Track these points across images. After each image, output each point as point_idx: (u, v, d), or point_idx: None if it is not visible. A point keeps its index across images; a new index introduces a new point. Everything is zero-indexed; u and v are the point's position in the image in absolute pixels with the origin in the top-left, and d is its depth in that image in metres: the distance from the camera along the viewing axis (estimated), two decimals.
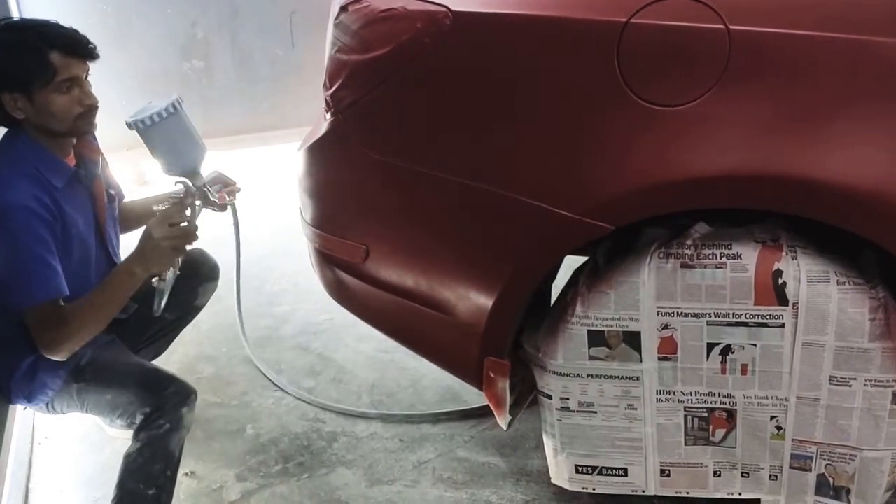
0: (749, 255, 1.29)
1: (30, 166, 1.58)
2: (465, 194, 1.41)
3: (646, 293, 1.35)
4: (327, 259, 1.71)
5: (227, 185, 1.89)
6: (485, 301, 1.43)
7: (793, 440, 1.38)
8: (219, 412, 2.11)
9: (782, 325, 1.31)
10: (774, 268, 1.28)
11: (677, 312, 1.35)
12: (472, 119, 1.37)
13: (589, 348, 1.41)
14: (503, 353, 1.49)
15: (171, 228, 1.56)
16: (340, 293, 1.74)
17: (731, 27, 1.18)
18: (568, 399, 1.46)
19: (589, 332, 1.40)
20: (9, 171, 1.57)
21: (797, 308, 1.29)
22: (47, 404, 1.68)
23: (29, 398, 1.67)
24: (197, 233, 1.61)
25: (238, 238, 2.08)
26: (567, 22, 1.27)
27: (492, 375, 1.51)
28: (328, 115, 1.55)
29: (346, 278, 1.68)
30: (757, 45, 1.18)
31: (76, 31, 1.60)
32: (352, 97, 1.47)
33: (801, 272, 1.27)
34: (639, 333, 1.38)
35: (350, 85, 1.47)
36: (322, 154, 1.61)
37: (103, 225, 1.76)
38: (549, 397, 1.48)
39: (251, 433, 2.01)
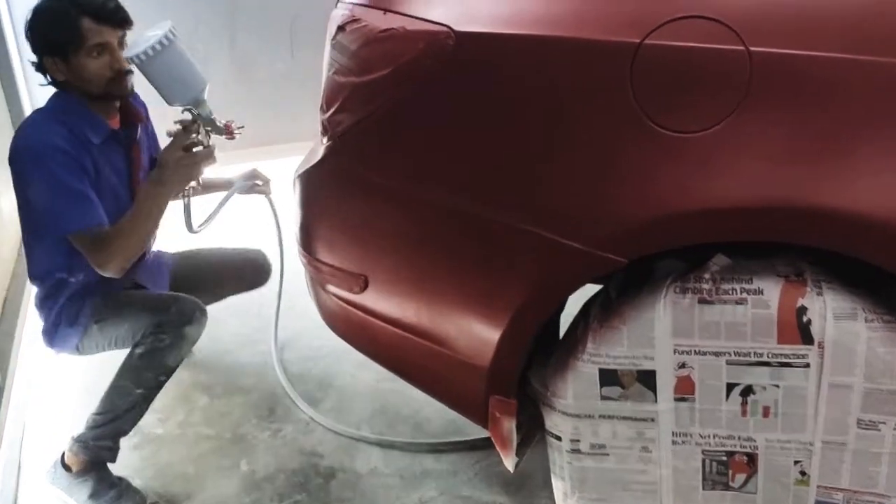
0: (771, 291, 1.21)
1: (69, 119, 1.74)
2: (469, 223, 1.33)
3: (661, 330, 1.27)
4: (324, 289, 1.64)
5: (262, 180, 2.19)
6: (490, 336, 1.35)
7: (818, 486, 1.30)
8: (211, 446, 2.03)
9: (807, 365, 1.22)
10: (798, 304, 1.20)
11: (695, 350, 1.27)
12: (477, 144, 1.30)
13: (601, 388, 1.32)
14: (509, 392, 1.41)
15: (184, 154, 1.72)
16: (338, 324, 1.67)
17: (752, 49, 1.10)
18: (579, 441, 1.38)
19: (601, 370, 1.32)
20: (49, 119, 1.74)
21: (823, 347, 1.21)
22: (77, 346, 1.90)
23: (62, 345, 1.90)
24: (213, 155, 1.77)
25: (280, 233, 2.28)
26: (577, 43, 1.19)
27: (497, 415, 1.43)
28: (325, 140, 1.48)
29: (344, 309, 1.60)
30: (779, 67, 1.10)
31: None
32: (350, 121, 1.40)
33: (827, 309, 1.19)
34: (654, 372, 1.30)
35: (348, 108, 1.40)
36: (319, 180, 1.53)
37: (137, 189, 1.88)
38: (559, 438, 1.40)
39: (246, 470, 1.93)
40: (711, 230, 1.17)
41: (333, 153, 1.46)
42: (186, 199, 1.94)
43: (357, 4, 1.40)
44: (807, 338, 1.21)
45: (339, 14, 1.42)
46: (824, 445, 1.27)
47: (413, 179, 1.38)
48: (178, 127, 1.80)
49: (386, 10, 1.34)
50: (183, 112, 1.79)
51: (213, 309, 2.00)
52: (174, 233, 2.04)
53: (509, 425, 1.43)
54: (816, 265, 1.23)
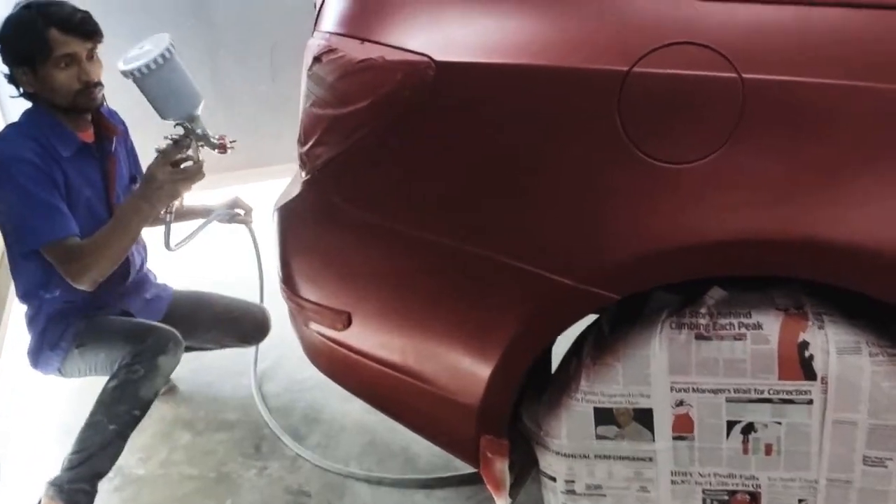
0: (771, 325, 1.16)
1: (38, 132, 1.73)
2: (455, 258, 1.28)
3: (657, 367, 1.21)
4: (307, 325, 1.58)
5: (243, 208, 2.15)
6: (480, 374, 1.30)
7: None
8: (195, 486, 1.96)
9: (810, 402, 1.18)
10: (800, 339, 1.15)
11: (693, 388, 1.22)
12: (461, 177, 1.25)
13: (596, 427, 1.27)
14: (501, 431, 1.36)
15: (173, 169, 1.69)
16: (322, 362, 1.61)
17: (745, 75, 1.06)
18: (574, 482, 1.32)
19: (595, 409, 1.26)
20: (16, 132, 1.74)
21: (826, 382, 1.16)
22: (59, 369, 1.89)
23: (45, 367, 1.90)
24: (202, 171, 1.73)
25: (260, 262, 2.24)
26: (562, 72, 1.15)
27: (489, 455, 1.37)
28: (303, 173, 1.42)
29: (327, 346, 1.54)
30: (774, 94, 1.06)
31: (76, 10, 1.70)
32: (329, 154, 1.35)
33: (830, 343, 1.15)
34: (651, 410, 1.24)
35: (327, 141, 1.34)
36: (298, 214, 1.48)
37: (113, 203, 1.86)
38: (553, 479, 1.34)
39: None
40: (707, 265, 1.12)
41: (312, 187, 1.41)
42: (169, 216, 1.91)
43: (333, 34, 1.34)
44: (809, 373, 1.16)
45: (315, 44, 1.36)
46: (829, 483, 1.22)
47: (395, 214, 1.33)
48: (168, 142, 1.76)
49: (363, 40, 1.29)
50: (175, 126, 1.75)
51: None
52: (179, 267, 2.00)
53: (501, 466, 1.38)
54: (816, 296, 1.18)
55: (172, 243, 1.95)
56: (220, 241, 2.38)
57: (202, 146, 1.79)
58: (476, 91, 1.21)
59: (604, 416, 1.26)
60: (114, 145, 1.91)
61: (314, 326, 1.55)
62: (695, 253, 1.11)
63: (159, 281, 2.14)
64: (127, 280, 1.97)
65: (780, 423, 1.20)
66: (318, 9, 1.43)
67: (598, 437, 1.28)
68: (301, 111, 1.40)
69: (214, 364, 2.44)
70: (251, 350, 2.41)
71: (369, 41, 1.28)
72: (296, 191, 1.46)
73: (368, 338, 1.45)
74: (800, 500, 1.24)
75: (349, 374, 1.54)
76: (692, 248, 1.10)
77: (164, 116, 1.74)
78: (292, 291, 1.57)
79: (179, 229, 2.08)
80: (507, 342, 1.26)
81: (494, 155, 1.21)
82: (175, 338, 1.80)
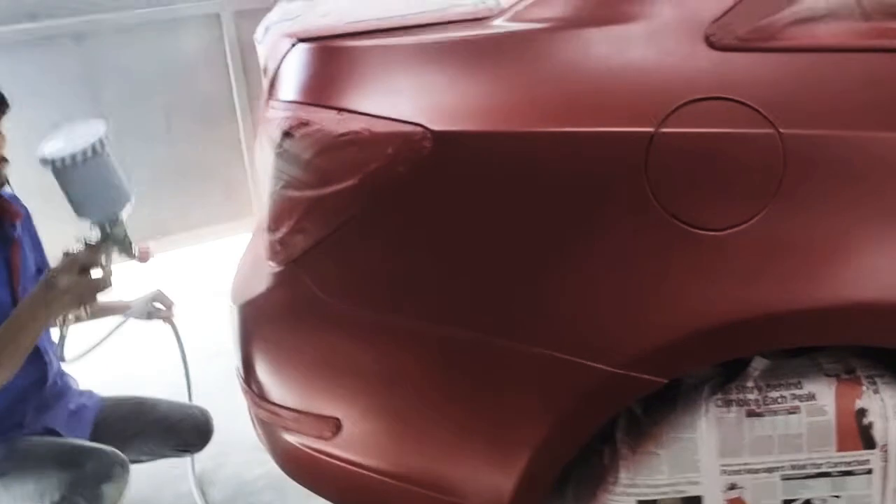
0: (825, 394, 1.08)
1: None
2: (467, 350, 1.13)
3: (706, 451, 1.10)
4: (282, 435, 1.37)
5: (164, 304, 1.92)
6: (504, 482, 1.15)
7: None
8: None
9: (869, 471, 1.09)
10: (857, 406, 1.07)
11: (745, 469, 1.11)
12: (470, 260, 1.10)
13: None
14: None
15: (78, 277, 1.47)
16: (303, 474, 1.40)
17: (784, 131, 0.98)
18: None
19: (639, 502, 1.14)
20: None
21: (886, 450, 1.08)
22: None
23: None
24: (110, 283, 1.51)
25: (185, 359, 2.01)
26: (580, 137, 1.03)
27: None
28: (273, 265, 1.23)
29: (310, 457, 1.34)
30: (818, 150, 0.98)
31: None
32: (308, 242, 1.17)
33: (888, 408, 1.07)
34: (700, 498, 1.13)
35: (305, 227, 1.16)
36: (269, 312, 1.28)
37: (19, 296, 1.63)
38: None
39: None
40: (765, 339, 1.02)
41: (287, 280, 1.22)
42: (65, 326, 1.67)
43: (299, 103, 1.17)
44: (868, 442, 1.08)
45: (277, 117, 1.19)
46: None
47: (391, 306, 1.16)
48: (81, 246, 1.52)
49: (340, 110, 1.13)
50: (91, 228, 1.52)
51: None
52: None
53: None
54: (865, 358, 1.11)
55: (68, 354, 1.70)
56: (134, 334, 2.10)
57: (118, 252, 1.56)
58: (481, 163, 1.07)
59: None
60: (17, 230, 1.65)
61: (292, 436, 1.34)
62: (744, 327, 1.01)
63: (81, 387, 1.86)
64: (44, 388, 1.70)
65: (838, 497, 1.11)
66: (270, 75, 1.26)
67: None
68: (267, 195, 1.21)
69: (144, 471, 2.14)
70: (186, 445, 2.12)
71: (347, 111, 1.13)
72: (263, 284, 1.27)
73: (363, 445, 1.27)
74: None
75: (339, 486, 1.34)
76: (741, 323, 1.00)
77: (81, 215, 1.50)
78: (262, 398, 1.36)
79: (93, 328, 1.83)
80: (535, 444, 1.12)
81: (509, 233, 1.08)
82: (119, 460, 1.56)
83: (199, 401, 2.02)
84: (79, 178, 1.42)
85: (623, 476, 1.13)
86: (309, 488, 1.40)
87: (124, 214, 1.52)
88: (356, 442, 1.27)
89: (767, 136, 0.98)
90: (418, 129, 1.07)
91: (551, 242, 1.06)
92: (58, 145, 1.42)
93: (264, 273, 1.27)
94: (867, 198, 0.97)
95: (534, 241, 1.07)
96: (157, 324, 2.01)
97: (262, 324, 1.31)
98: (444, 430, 1.20)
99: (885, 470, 1.09)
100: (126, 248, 1.54)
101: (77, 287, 1.47)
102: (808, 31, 0.99)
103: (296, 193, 1.16)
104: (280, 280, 1.23)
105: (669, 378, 1.05)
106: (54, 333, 1.71)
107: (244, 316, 1.32)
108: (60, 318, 1.63)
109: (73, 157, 1.38)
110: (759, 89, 0.99)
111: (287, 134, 1.15)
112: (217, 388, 2.02)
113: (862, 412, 1.07)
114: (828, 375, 1.10)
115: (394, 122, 1.09)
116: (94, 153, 1.40)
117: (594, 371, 1.06)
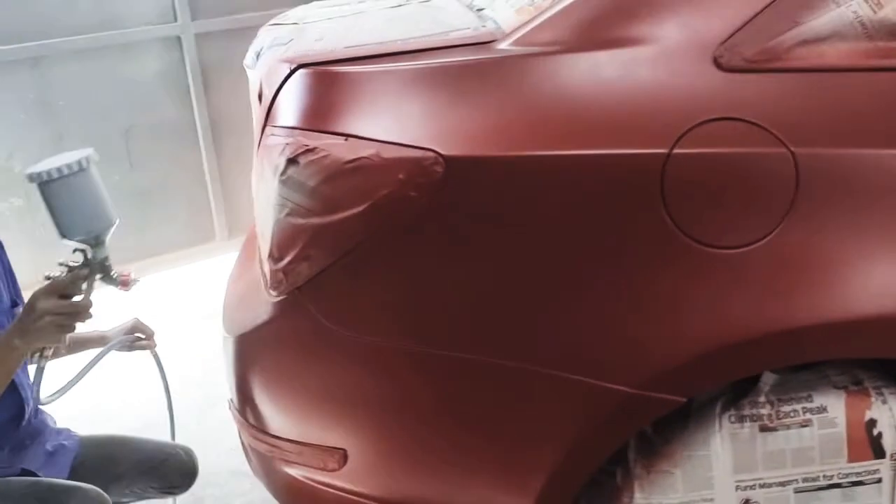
0: (835, 407, 1.10)
1: None
2: (481, 375, 1.12)
3: (720, 467, 1.11)
4: (282, 468, 1.33)
5: (145, 333, 1.82)
6: None
7: None
8: None
9: (879, 481, 1.12)
10: (867, 417, 1.09)
11: (759, 484, 1.12)
12: (484, 285, 1.09)
13: None
14: None
15: (59, 302, 1.40)
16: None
17: (796, 150, 1.00)
18: None
19: None
20: None
21: (895, 459, 1.10)
22: None
23: None
24: (91, 310, 1.43)
25: (168, 392, 1.90)
26: (595, 159, 1.03)
27: None
28: (274, 293, 1.20)
29: (313, 490, 1.30)
30: (829, 168, 1.01)
31: None
32: (314, 270, 1.14)
33: None
34: None
35: (311, 255, 1.14)
36: (270, 342, 1.25)
37: None
38: None
39: None
40: (783, 354, 1.04)
41: (290, 309, 1.19)
42: (43, 360, 1.57)
43: (302, 130, 1.15)
44: (878, 452, 1.10)
45: (278, 143, 1.16)
46: None
47: (403, 332, 1.14)
48: (63, 269, 1.47)
49: (346, 136, 1.11)
50: (74, 252, 1.47)
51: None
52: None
53: None
54: (870, 369, 1.13)
55: (47, 394, 1.60)
56: (110, 365, 2.03)
57: (99, 279, 1.51)
58: (494, 187, 1.07)
59: None
60: None
61: (294, 469, 1.31)
62: (763, 344, 1.02)
63: (59, 426, 1.77)
64: (20, 425, 1.61)
65: None
66: (266, 101, 1.24)
67: None
68: (270, 223, 1.18)
69: None
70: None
71: (354, 137, 1.11)
72: (263, 314, 1.23)
73: (371, 476, 1.24)
74: None
75: None
76: (760, 339, 1.02)
77: (64, 234, 1.45)
78: (259, 430, 1.32)
79: (71, 362, 1.75)
80: (550, 468, 1.11)
81: (524, 256, 1.07)
82: (101, 499, 1.48)
83: (180, 436, 1.95)
84: (65, 191, 1.40)
85: (638, 495, 1.13)
86: None
87: (107, 237, 1.47)
88: (363, 473, 1.24)
89: (779, 155, 1.00)
90: (430, 153, 1.06)
91: (567, 264, 1.06)
92: (45, 165, 1.39)
93: (263, 302, 1.24)
94: (877, 214, 1.00)
95: (549, 264, 1.06)
96: (138, 355, 1.94)
97: (261, 354, 1.27)
98: (457, 458, 1.18)
99: (894, 479, 1.11)
100: (107, 273, 1.49)
101: (58, 309, 1.40)
102: (814, 51, 1.02)
103: (300, 221, 1.13)
104: (282, 309, 1.20)
105: (687, 397, 1.05)
106: (31, 370, 1.63)
107: (241, 346, 1.29)
108: (38, 352, 1.55)
109: (60, 169, 1.37)
110: (770, 109, 1.01)
111: (292, 161, 1.13)
112: (191, 418, 1.96)
113: (872, 423, 1.09)
114: (836, 388, 1.12)
115: (404, 148, 1.08)
116: (81, 168, 1.39)
117: (612, 392, 1.06)
